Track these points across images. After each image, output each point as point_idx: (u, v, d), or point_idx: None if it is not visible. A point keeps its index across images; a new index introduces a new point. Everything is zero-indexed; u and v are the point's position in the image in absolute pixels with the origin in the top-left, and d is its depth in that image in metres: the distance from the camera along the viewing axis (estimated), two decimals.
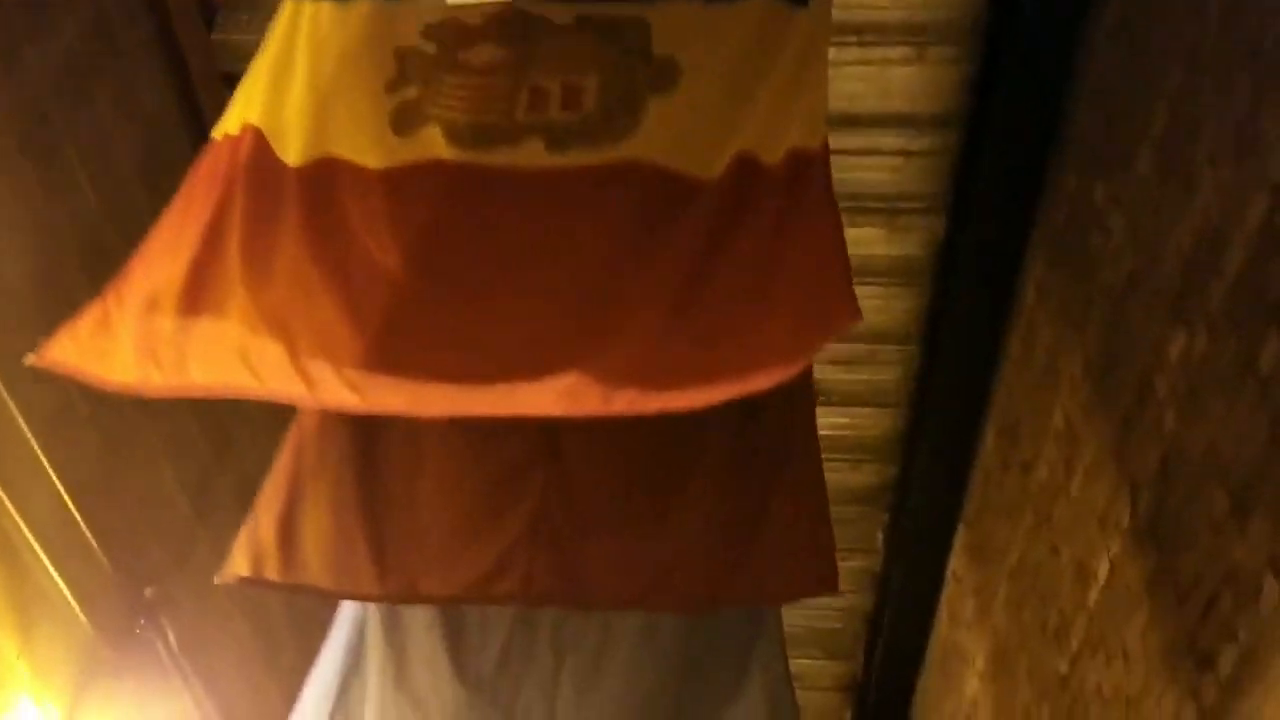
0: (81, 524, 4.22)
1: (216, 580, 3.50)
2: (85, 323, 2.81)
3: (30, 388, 3.81)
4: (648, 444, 3.42)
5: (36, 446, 3.95)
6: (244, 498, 3.77)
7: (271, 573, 3.45)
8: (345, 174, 3.00)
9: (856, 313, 2.58)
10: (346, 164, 3.02)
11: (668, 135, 2.97)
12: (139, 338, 2.78)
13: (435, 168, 2.98)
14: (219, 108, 3.36)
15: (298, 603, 5.30)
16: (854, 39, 4.47)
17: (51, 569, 4.07)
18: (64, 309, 2.94)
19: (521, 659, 3.82)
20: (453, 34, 3.25)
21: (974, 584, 5.32)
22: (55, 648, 4.12)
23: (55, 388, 4.04)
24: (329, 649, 3.91)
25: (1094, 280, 3.91)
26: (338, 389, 2.69)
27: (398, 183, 2.98)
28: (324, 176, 3.00)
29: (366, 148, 3.04)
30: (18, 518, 3.89)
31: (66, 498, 4.13)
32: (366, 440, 3.52)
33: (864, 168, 4.89)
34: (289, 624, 5.51)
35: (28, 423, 3.90)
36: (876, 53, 4.54)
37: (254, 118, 3.10)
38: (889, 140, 4.84)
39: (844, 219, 2.93)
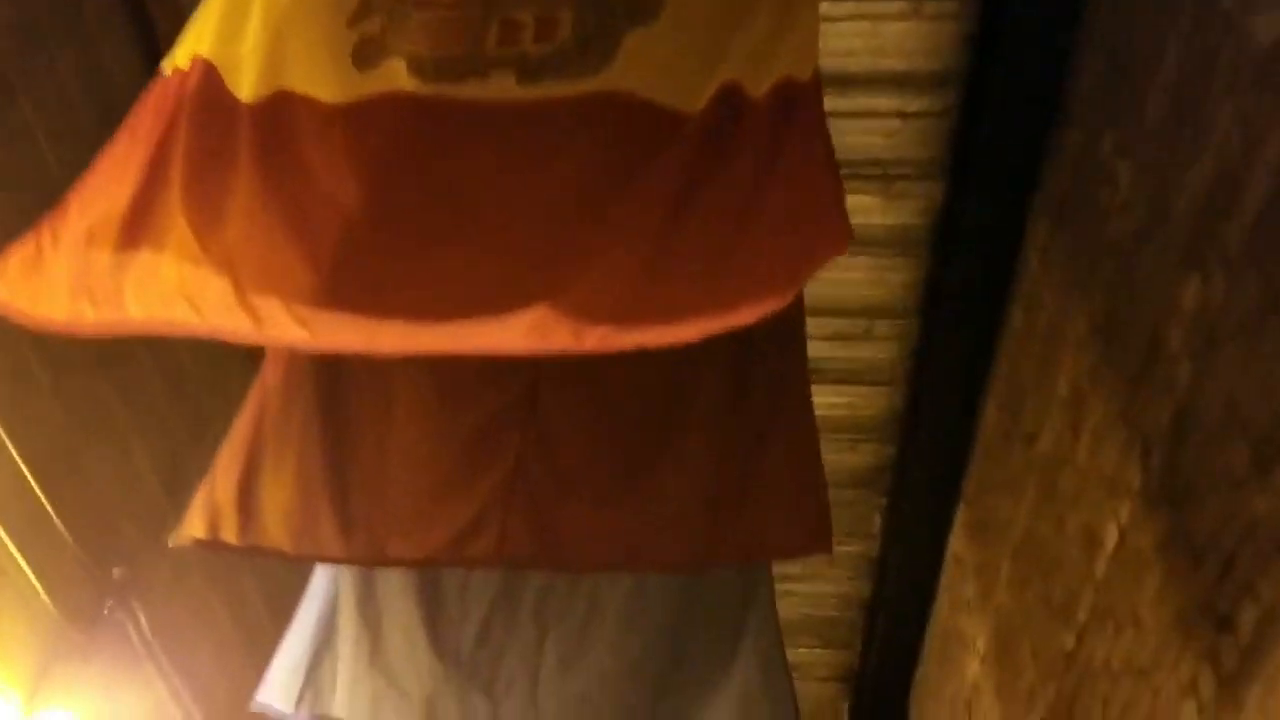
0: (44, 500, 4.06)
1: (170, 543, 3.35)
2: (14, 259, 2.64)
3: None
4: (632, 398, 3.27)
5: None
6: None
7: (229, 535, 3.29)
8: (302, 108, 2.84)
9: (847, 234, 2.40)
10: (304, 98, 2.85)
11: (648, 66, 2.80)
12: (73, 274, 2.62)
13: (398, 101, 2.82)
14: None
15: (275, 584, 5.15)
16: None
17: (11, 546, 3.90)
18: None
19: (503, 631, 3.65)
20: None
21: (975, 564, 5.16)
22: (16, 630, 3.95)
23: (12, 354, 3.90)
24: (299, 623, 3.75)
25: (1100, 238, 3.74)
26: (286, 325, 2.53)
27: (358, 117, 2.81)
28: (280, 111, 2.84)
29: (325, 82, 2.87)
30: None
31: (26, 472, 3.97)
32: (333, 398, 3.36)
33: (857, 131, 4.68)
34: (265, 606, 5.35)
35: None
36: (870, 7, 4.35)
37: (205, 51, 2.93)
38: (884, 101, 4.63)
39: None
